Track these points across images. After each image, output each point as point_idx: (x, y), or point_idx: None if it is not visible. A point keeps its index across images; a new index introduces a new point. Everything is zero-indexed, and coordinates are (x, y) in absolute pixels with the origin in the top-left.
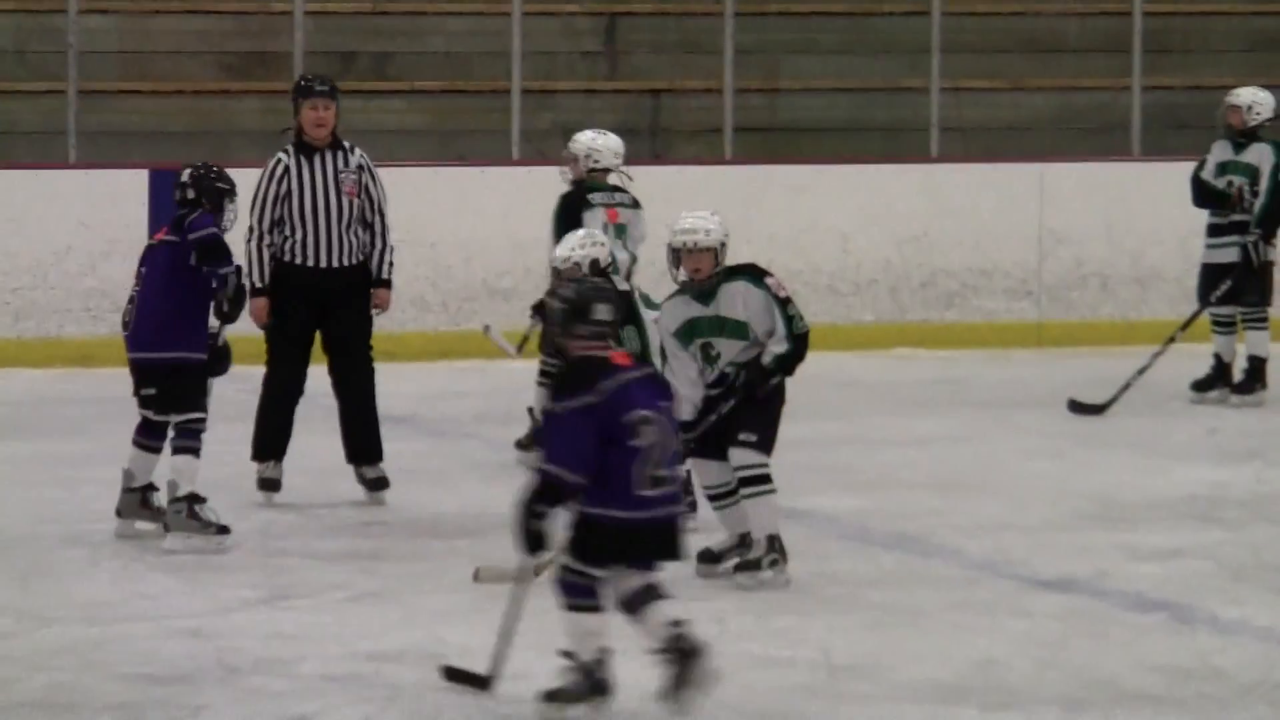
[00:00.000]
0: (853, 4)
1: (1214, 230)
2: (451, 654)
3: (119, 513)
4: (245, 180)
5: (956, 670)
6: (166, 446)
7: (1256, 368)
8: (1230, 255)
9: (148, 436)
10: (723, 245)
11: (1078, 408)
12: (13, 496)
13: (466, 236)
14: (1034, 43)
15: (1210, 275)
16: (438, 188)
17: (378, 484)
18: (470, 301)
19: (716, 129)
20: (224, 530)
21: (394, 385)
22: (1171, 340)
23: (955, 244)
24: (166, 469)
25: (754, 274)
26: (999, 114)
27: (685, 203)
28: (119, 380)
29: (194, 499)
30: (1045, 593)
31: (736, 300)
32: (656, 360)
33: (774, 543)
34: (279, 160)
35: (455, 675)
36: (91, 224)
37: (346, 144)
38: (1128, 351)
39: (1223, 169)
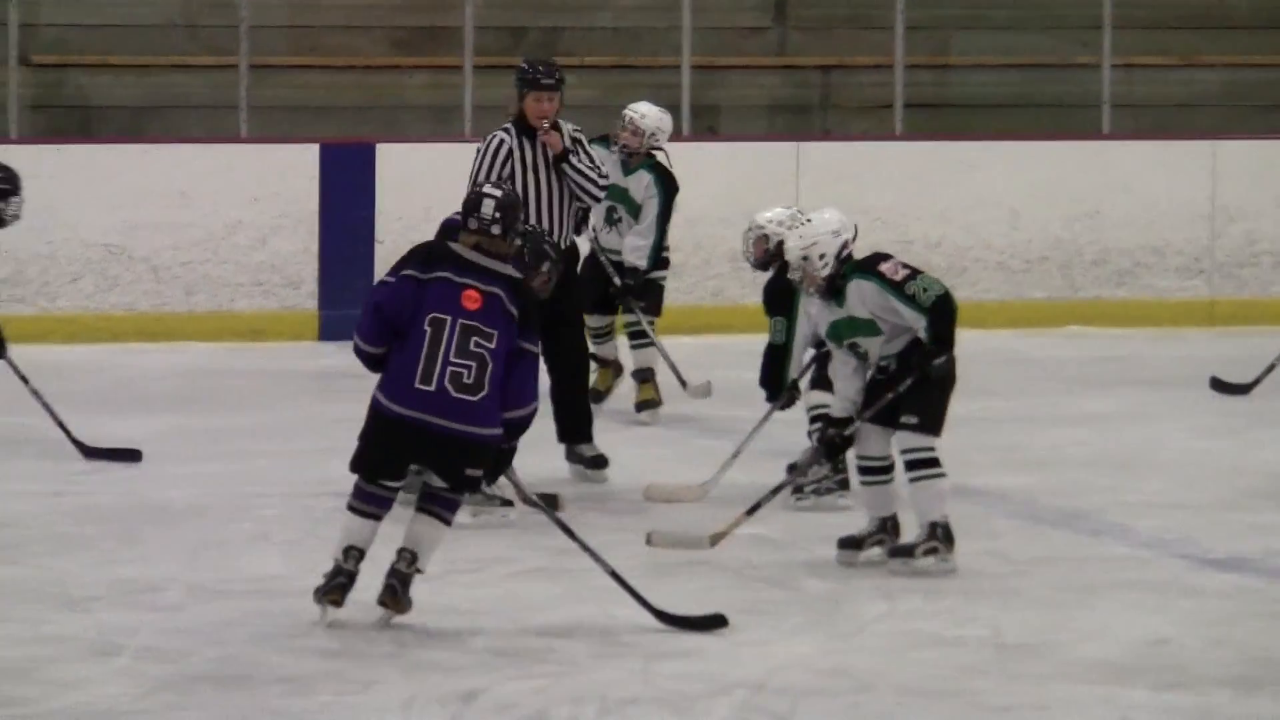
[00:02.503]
0: None
1: None
2: (622, 630)
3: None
4: (418, 154)
5: (1127, 649)
6: None
7: None
8: None
9: None
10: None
11: (1221, 386)
12: (182, 470)
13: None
14: (1205, 18)
15: None
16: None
17: (597, 462)
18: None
19: (887, 105)
20: (507, 504)
21: None
22: None
23: (1126, 221)
24: None
25: (865, 268)
26: (1170, 90)
27: (856, 177)
28: (289, 354)
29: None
30: (1216, 571)
31: (856, 299)
32: (797, 354)
33: (936, 530)
34: (501, 140)
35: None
36: (262, 198)
37: (563, 125)
38: None
39: None
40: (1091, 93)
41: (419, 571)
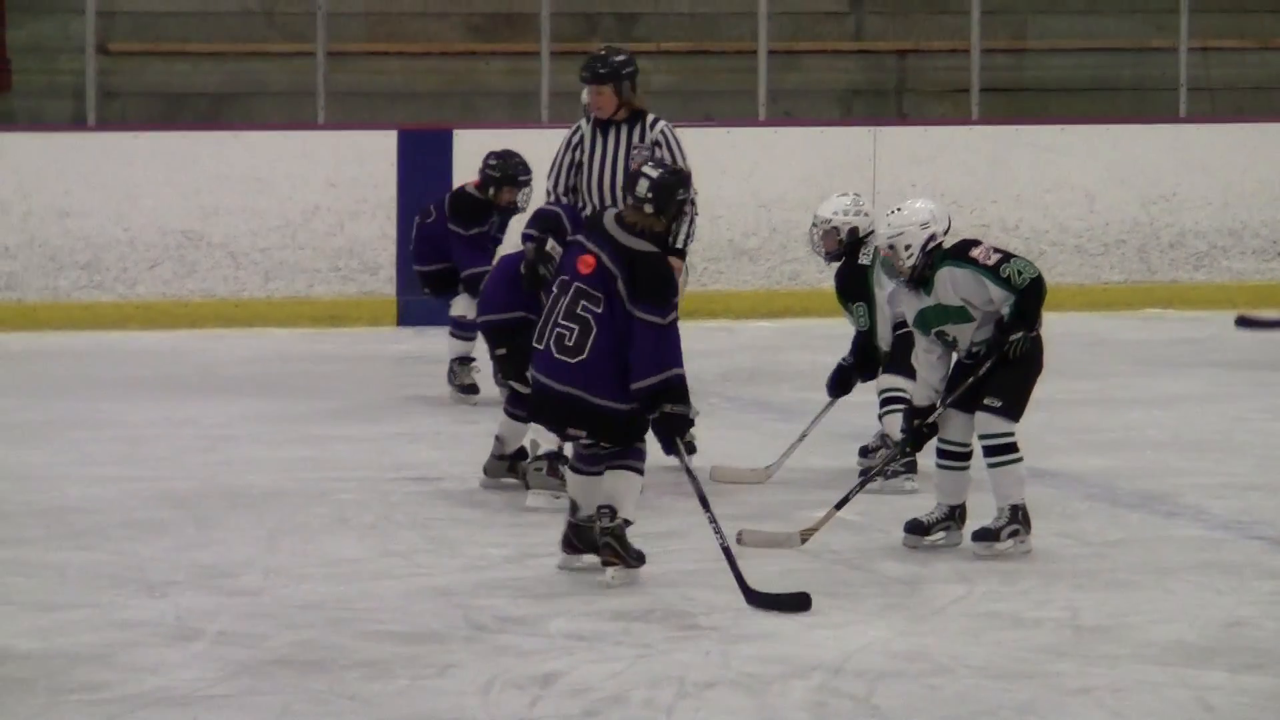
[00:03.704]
0: None
1: None
2: (699, 612)
3: (486, 472)
4: (496, 140)
5: (1204, 631)
6: None
7: None
8: None
9: (517, 406)
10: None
11: (1246, 323)
12: (261, 454)
13: (712, 197)
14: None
15: None
16: (684, 148)
17: (687, 448)
18: (716, 262)
19: (963, 89)
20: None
21: None
22: None
23: (1204, 204)
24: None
25: (956, 255)
26: (1247, 73)
27: (932, 161)
28: (367, 340)
29: (555, 457)
30: None
31: (947, 286)
32: (885, 334)
33: (1016, 513)
34: (578, 129)
35: (769, 600)
36: (340, 184)
37: (650, 116)
38: None
39: None
40: (1168, 76)
41: (627, 522)
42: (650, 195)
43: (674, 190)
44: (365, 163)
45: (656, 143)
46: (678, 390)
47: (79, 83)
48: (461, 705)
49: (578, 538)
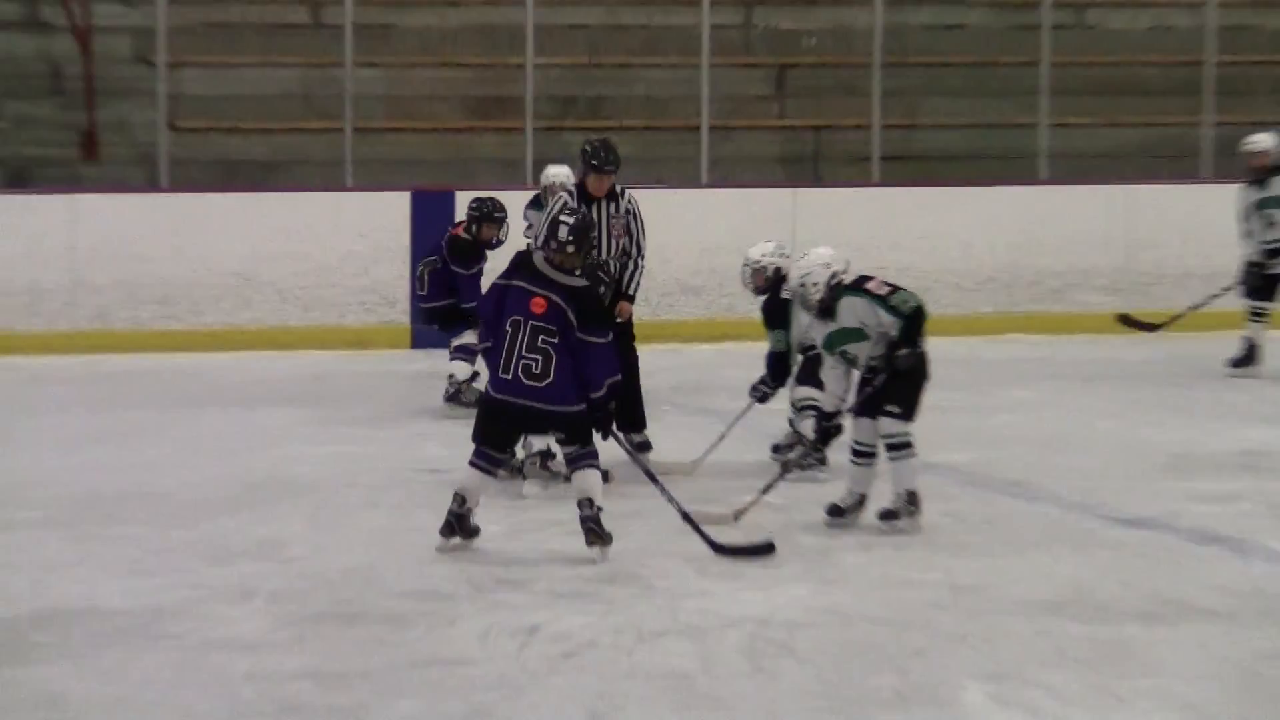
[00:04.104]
0: (978, 55)
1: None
2: (653, 576)
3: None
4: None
5: (1055, 590)
6: None
7: None
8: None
9: None
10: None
11: (1129, 322)
12: (305, 451)
13: (664, 244)
14: (1122, 87)
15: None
16: (651, 208)
17: (644, 447)
18: (667, 297)
19: (866, 158)
20: (568, 480)
21: None
22: (1214, 298)
23: (1058, 250)
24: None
25: (854, 287)
26: (1094, 144)
27: (840, 216)
28: (387, 360)
29: (546, 454)
30: (1126, 528)
31: (848, 312)
32: (827, 370)
33: (912, 497)
34: (565, 202)
35: (734, 550)
36: (366, 235)
37: (619, 191)
38: (1198, 336)
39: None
40: (1031, 147)
41: (600, 510)
42: (571, 239)
43: (587, 232)
44: (385, 217)
45: (628, 212)
46: (616, 391)
47: (154, 153)
48: (466, 649)
49: (459, 525)
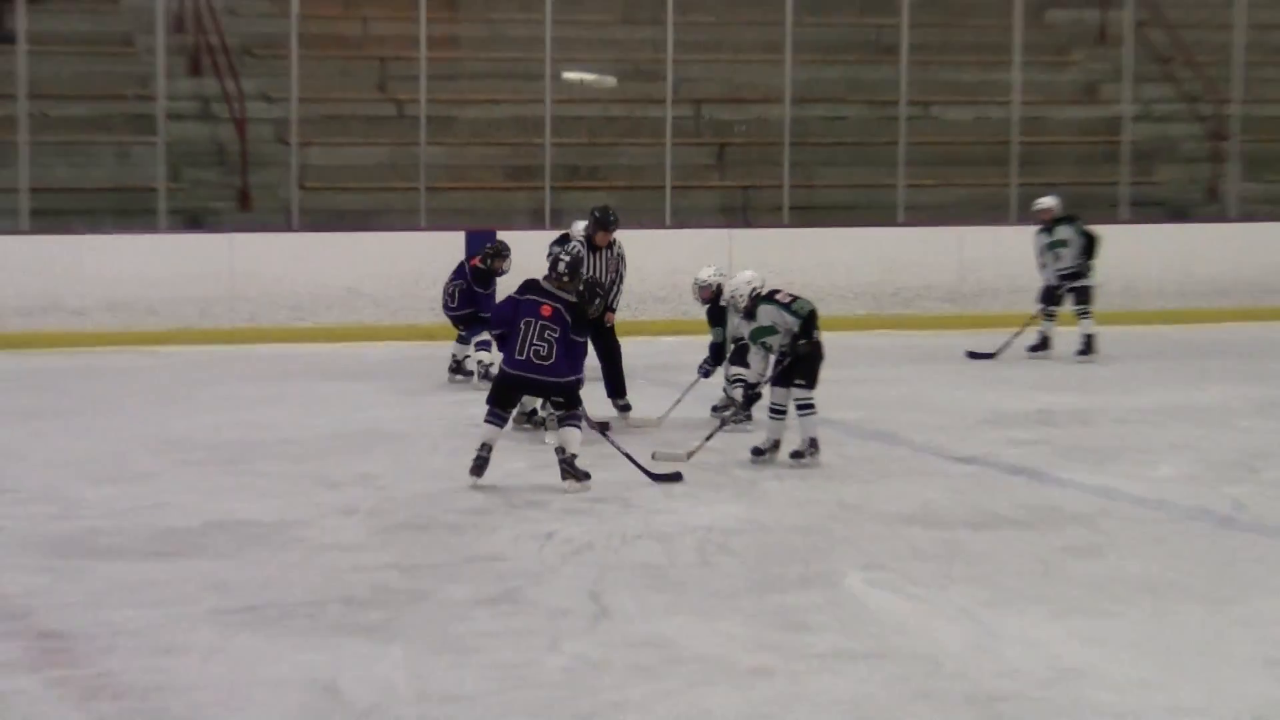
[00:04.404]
0: (856, 137)
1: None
2: (632, 499)
3: (515, 421)
4: (519, 237)
5: (911, 506)
6: None
7: (1089, 340)
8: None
9: None
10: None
11: (974, 355)
12: (390, 410)
13: (642, 268)
14: (955, 159)
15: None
16: (636, 249)
17: (625, 408)
18: (643, 303)
19: (779, 208)
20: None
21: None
22: (1028, 324)
23: (911, 272)
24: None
25: (768, 298)
26: (936, 199)
27: (762, 250)
28: (448, 349)
29: (532, 414)
30: (959, 464)
31: (765, 315)
32: (754, 356)
33: (814, 443)
34: (578, 249)
35: (658, 477)
36: (433, 261)
37: (615, 241)
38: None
39: (1056, 242)
40: (892, 200)
41: (575, 456)
42: (566, 270)
43: (578, 267)
44: (446, 249)
45: (619, 255)
46: (578, 384)
47: (288, 205)
48: (501, 549)
49: (482, 464)
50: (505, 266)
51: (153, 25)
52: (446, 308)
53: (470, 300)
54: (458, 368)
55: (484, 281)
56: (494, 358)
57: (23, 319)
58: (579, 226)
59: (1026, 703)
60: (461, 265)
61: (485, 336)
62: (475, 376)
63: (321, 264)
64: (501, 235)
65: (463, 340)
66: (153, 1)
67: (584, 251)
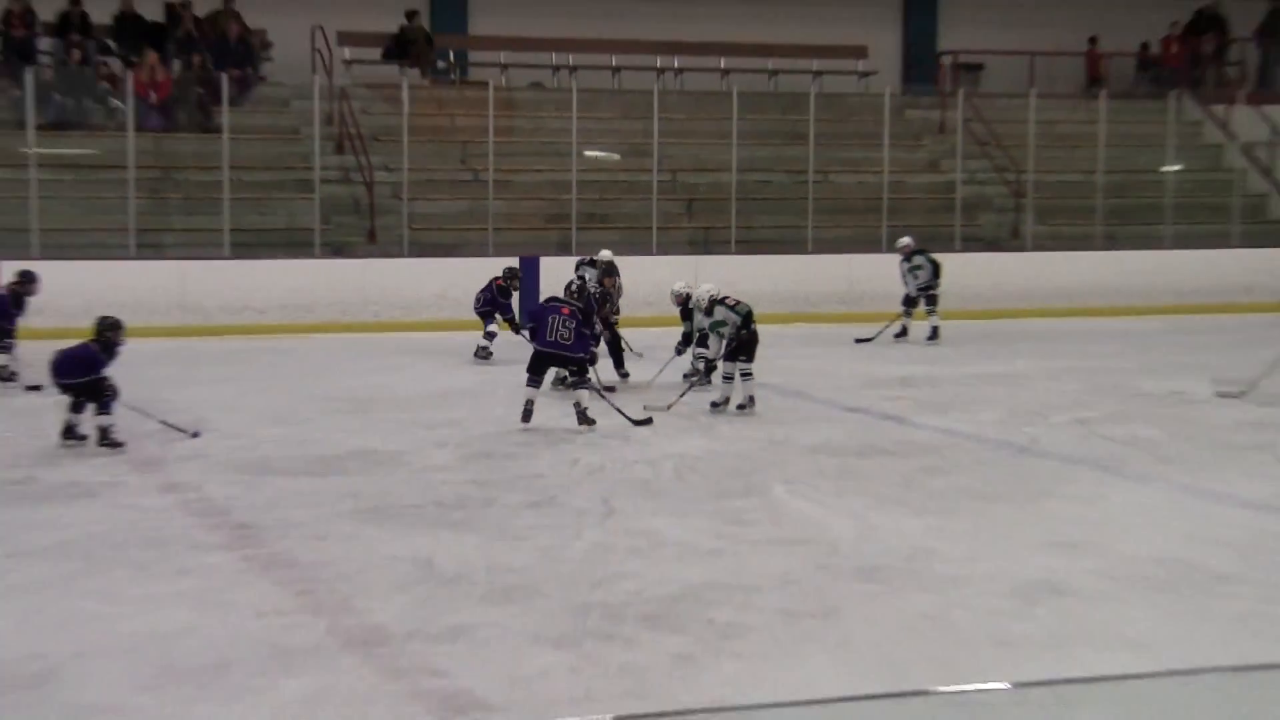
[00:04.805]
0: (776, 194)
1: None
2: (631, 435)
3: (553, 385)
4: (553, 263)
5: (819, 441)
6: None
7: (936, 330)
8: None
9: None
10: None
11: (859, 340)
12: (468, 379)
13: (636, 283)
14: (844, 209)
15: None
16: (631, 269)
17: (625, 375)
18: (637, 306)
19: (727, 242)
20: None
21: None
22: (895, 320)
23: (816, 282)
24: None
25: (720, 301)
26: (826, 235)
27: (718, 271)
28: (506, 337)
29: (563, 380)
30: (850, 413)
31: (718, 313)
32: (711, 341)
33: (752, 399)
34: (582, 284)
35: (637, 422)
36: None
37: (616, 280)
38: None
39: (914, 267)
40: (804, 238)
41: (586, 408)
42: (575, 293)
43: (582, 291)
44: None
45: (619, 288)
46: (586, 360)
47: (400, 239)
48: (543, 469)
49: (527, 415)
50: (516, 286)
51: (312, 120)
52: (474, 307)
53: (491, 305)
54: (479, 351)
55: (504, 294)
56: (492, 347)
57: (225, 315)
58: (606, 253)
59: (893, 571)
60: (491, 282)
61: (494, 328)
62: (482, 350)
63: (422, 279)
64: (544, 260)
65: (487, 335)
66: (311, 105)
67: (591, 285)
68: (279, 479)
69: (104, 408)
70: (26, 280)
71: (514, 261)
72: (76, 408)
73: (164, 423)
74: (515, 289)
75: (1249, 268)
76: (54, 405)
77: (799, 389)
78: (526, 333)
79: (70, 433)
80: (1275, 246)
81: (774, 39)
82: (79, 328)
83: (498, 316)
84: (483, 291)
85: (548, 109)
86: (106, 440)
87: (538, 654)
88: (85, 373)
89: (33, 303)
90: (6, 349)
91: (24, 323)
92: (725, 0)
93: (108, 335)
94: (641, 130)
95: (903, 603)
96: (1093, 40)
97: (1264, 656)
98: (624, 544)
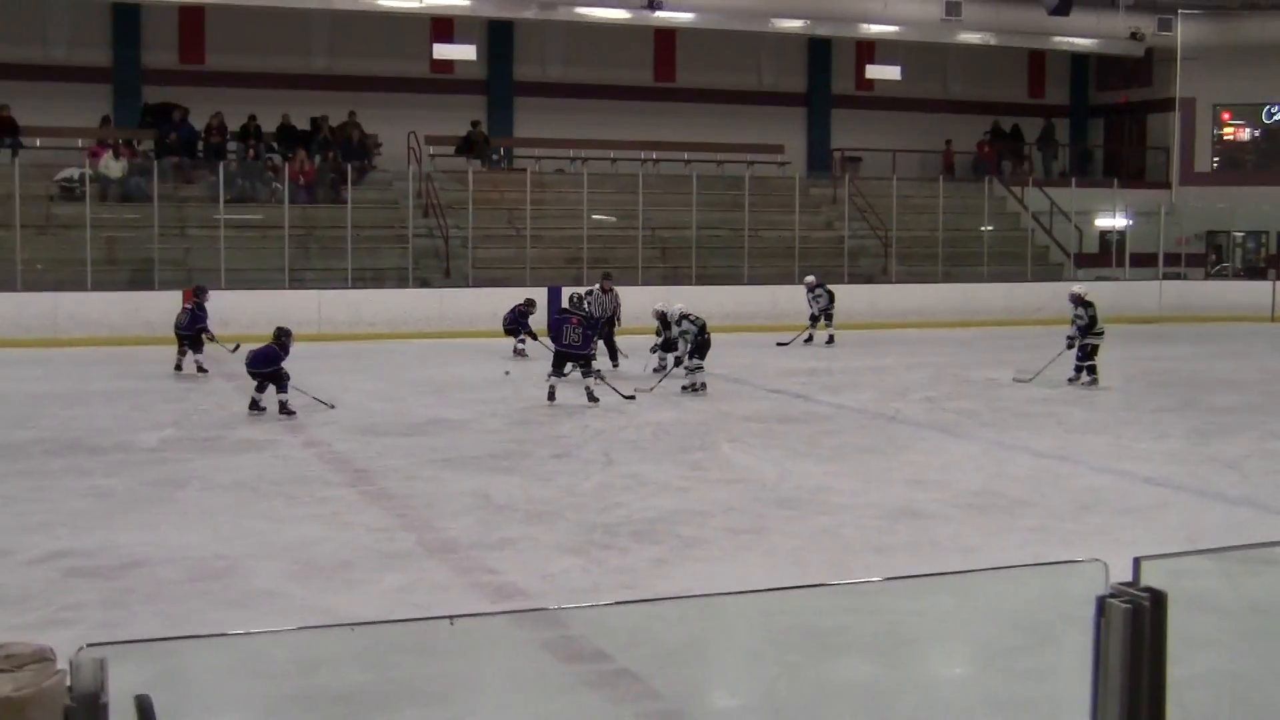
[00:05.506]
0: (726, 244)
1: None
2: (627, 408)
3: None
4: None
5: (750, 413)
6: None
7: (832, 337)
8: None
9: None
10: (663, 313)
11: (780, 344)
12: (495, 371)
13: (631, 303)
14: (769, 255)
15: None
16: (623, 295)
17: (616, 365)
18: (628, 320)
19: (691, 277)
20: (631, 397)
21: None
22: (804, 330)
23: (752, 304)
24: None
25: (686, 316)
26: (763, 273)
27: (684, 296)
28: (534, 348)
29: (596, 373)
30: (772, 393)
31: (684, 324)
32: (679, 344)
33: (704, 385)
34: (595, 295)
35: (626, 397)
36: (534, 299)
37: (613, 290)
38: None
39: (817, 295)
40: (742, 274)
41: (591, 390)
42: (582, 307)
43: (580, 306)
44: (539, 296)
45: (617, 298)
46: (590, 357)
47: (466, 271)
48: (564, 432)
49: (551, 396)
50: (533, 310)
51: (407, 195)
52: (503, 325)
53: (515, 324)
54: (515, 353)
55: (524, 317)
56: (523, 353)
57: (349, 326)
58: (606, 282)
59: (803, 501)
60: (514, 307)
61: (524, 337)
62: (516, 354)
63: (483, 302)
64: (564, 289)
65: (518, 347)
66: (407, 185)
67: (596, 299)
68: (384, 438)
69: (282, 389)
70: (200, 293)
71: (536, 292)
72: (260, 389)
73: (314, 398)
74: (532, 312)
75: (1038, 295)
76: (236, 389)
77: (738, 377)
78: (549, 340)
79: (255, 406)
80: (1055, 280)
81: (721, 139)
82: (257, 334)
83: (521, 332)
84: (509, 313)
85: (567, 186)
86: (285, 410)
87: (560, 558)
88: (269, 364)
89: (217, 318)
90: (199, 348)
91: (215, 330)
92: (688, 113)
93: (283, 339)
94: (629, 201)
95: (810, 523)
96: (948, 142)
97: (1051, 555)
98: (619, 483)
